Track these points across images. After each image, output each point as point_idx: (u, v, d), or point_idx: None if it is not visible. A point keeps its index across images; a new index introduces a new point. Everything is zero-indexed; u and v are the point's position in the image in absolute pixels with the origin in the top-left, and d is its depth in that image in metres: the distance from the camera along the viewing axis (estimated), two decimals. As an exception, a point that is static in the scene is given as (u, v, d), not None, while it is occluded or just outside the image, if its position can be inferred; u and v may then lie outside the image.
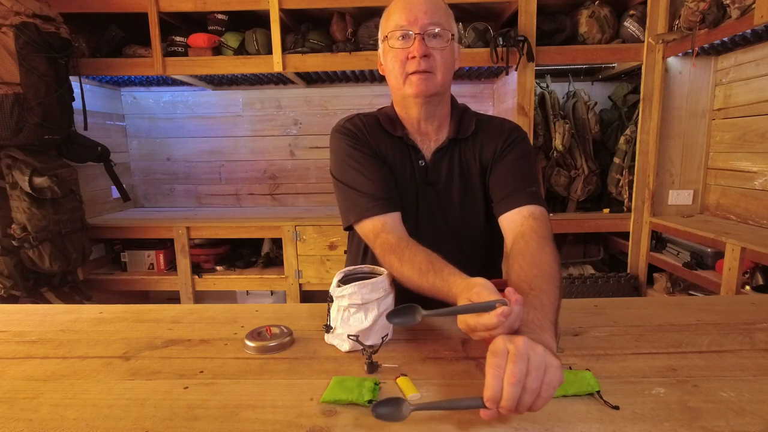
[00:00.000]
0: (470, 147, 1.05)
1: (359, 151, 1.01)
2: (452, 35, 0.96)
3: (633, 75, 2.71)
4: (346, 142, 1.03)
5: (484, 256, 1.11)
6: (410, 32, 0.93)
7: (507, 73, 2.57)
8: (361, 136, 1.03)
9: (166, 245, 2.73)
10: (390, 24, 0.96)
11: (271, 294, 2.97)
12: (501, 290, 0.83)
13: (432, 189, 1.03)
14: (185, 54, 2.50)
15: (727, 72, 2.28)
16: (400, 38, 0.94)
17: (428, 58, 0.93)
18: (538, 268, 0.80)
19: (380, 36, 1.01)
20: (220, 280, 2.68)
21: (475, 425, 0.61)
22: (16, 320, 1.02)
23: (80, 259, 2.33)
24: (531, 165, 1.04)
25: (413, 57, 0.93)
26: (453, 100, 1.08)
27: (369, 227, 0.96)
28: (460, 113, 1.07)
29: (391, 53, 0.96)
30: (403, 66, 0.95)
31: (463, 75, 2.85)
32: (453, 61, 0.99)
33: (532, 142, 2.50)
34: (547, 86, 2.73)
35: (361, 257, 1.14)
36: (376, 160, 1.01)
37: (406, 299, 0.90)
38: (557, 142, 2.55)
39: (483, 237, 1.07)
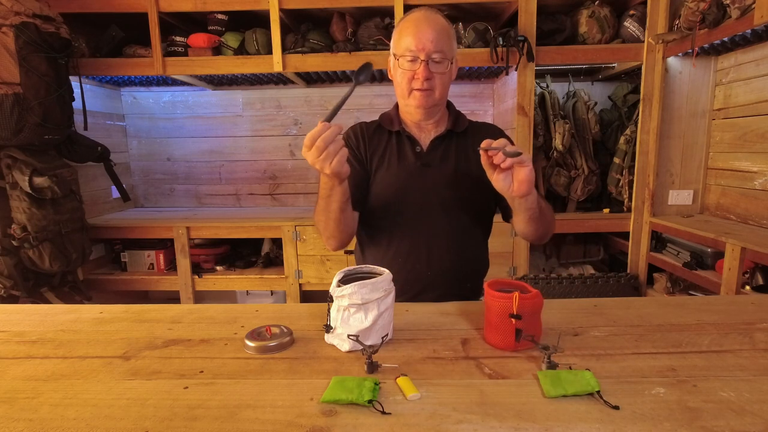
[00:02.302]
0: (468, 140, 1.22)
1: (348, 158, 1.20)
2: (452, 59, 1.14)
3: (633, 75, 2.70)
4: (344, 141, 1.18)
5: (472, 225, 1.23)
6: (418, 57, 1.10)
7: (507, 73, 2.57)
8: (354, 142, 1.22)
9: (166, 245, 2.73)
10: (401, 46, 1.12)
11: (271, 294, 2.97)
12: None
13: (428, 169, 1.19)
14: (185, 54, 2.50)
15: (727, 72, 2.28)
16: (409, 60, 1.11)
17: (430, 80, 1.11)
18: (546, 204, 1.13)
19: (392, 50, 1.17)
20: (220, 280, 2.68)
21: (479, 423, 0.61)
22: (16, 320, 1.02)
23: (80, 259, 2.33)
24: None
25: (418, 78, 1.11)
26: (449, 103, 1.26)
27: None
28: (456, 113, 1.26)
29: (399, 70, 1.13)
30: (409, 83, 1.13)
31: (463, 75, 2.85)
32: (450, 79, 1.17)
33: (531, 142, 2.51)
34: (547, 86, 2.73)
35: (360, 255, 1.28)
36: (355, 169, 1.18)
37: (422, 290, 1.11)
38: (557, 142, 2.55)
39: (476, 209, 1.22)
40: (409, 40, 1.10)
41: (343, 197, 1.03)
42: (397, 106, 1.25)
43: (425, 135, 1.22)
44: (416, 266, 1.18)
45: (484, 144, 0.93)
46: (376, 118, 1.27)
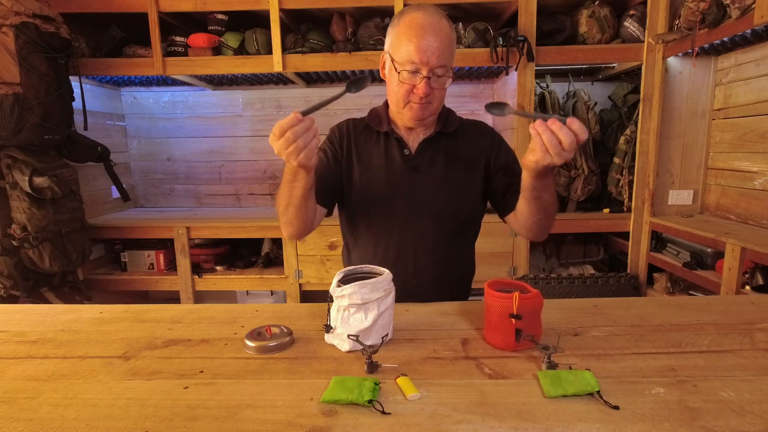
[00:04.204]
0: (457, 141, 1.19)
1: (323, 151, 1.19)
2: (451, 70, 1.08)
3: (633, 75, 2.70)
4: (327, 137, 1.22)
5: (460, 230, 1.21)
6: (419, 71, 1.04)
7: (507, 73, 2.57)
8: (336, 137, 1.20)
9: (166, 245, 2.73)
10: (401, 53, 1.04)
11: (271, 294, 2.97)
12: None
13: (417, 173, 1.16)
14: (185, 54, 2.50)
15: (727, 72, 2.28)
16: (409, 72, 1.04)
17: (429, 96, 1.06)
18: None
19: (387, 48, 1.10)
20: (220, 280, 2.68)
21: (479, 422, 0.61)
22: (16, 320, 1.02)
23: (80, 259, 2.33)
24: (516, 157, 1.22)
25: (417, 93, 1.05)
26: None
27: None
28: (446, 112, 1.21)
29: (396, 80, 1.06)
30: (407, 94, 1.07)
31: (463, 75, 2.84)
32: (447, 90, 1.11)
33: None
34: (547, 86, 2.73)
35: (347, 257, 1.26)
36: (328, 164, 1.17)
37: (407, 297, 1.06)
38: (557, 142, 2.55)
39: (465, 214, 1.20)
40: (412, 50, 1.02)
41: (307, 185, 0.99)
42: (386, 103, 1.20)
43: (414, 137, 1.18)
44: (402, 272, 1.12)
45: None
46: None
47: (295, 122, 0.84)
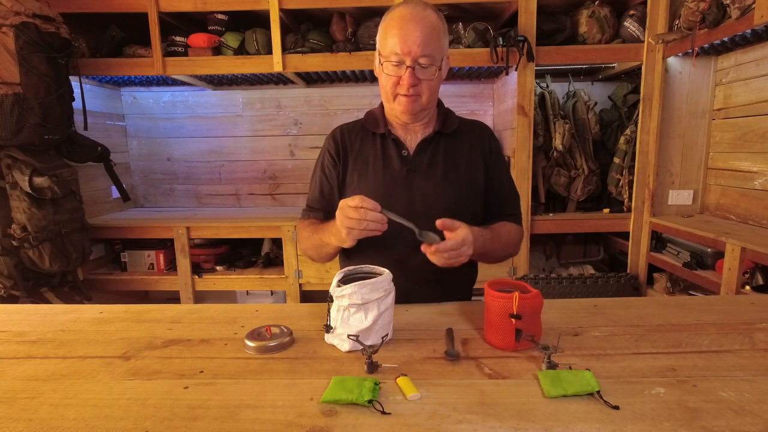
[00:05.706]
0: (457, 141, 1.18)
1: (321, 161, 1.22)
2: (442, 62, 1.07)
3: (633, 75, 2.70)
4: (324, 148, 1.22)
5: None
6: (403, 62, 1.04)
7: (507, 73, 2.57)
8: (334, 150, 1.19)
9: (166, 245, 2.73)
10: (387, 46, 1.06)
11: (271, 294, 2.97)
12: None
13: (415, 174, 1.15)
14: (185, 54, 2.50)
15: (727, 72, 2.28)
16: (394, 64, 1.05)
17: (416, 86, 1.06)
18: (507, 234, 1.18)
19: (377, 45, 1.11)
20: (220, 280, 2.68)
21: (479, 422, 0.61)
22: (16, 320, 1.02)
23: (80, 259, 2.33)
24: (510, 171, 1.28)
25: (403, 84, 1.06)
26: (438, 101, 1.20)
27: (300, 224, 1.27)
28: (445, 112, 1.21)
29: (384, 73, 1.08)
30: (394, 87, 1.08)
31: (463, 75, 2.84)
32: (440, 82, 1.11)
33: (531, 142, 2.51)
34: (547, 86, 2.72)
35: (346, 260, 1.24)
36: (326, 174, 1.20)
37: (406, 298, 1.04)
38: (557, 142, 2.55)
39: (466, 215, 1.15)
40: (395, 41, 1.03)
41: (338, 249, 1.06)
42: (383, 105, 1.19)
43: (412, 137, 1.17)
44: (401, 279, 1.04)
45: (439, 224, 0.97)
46: None
47: (374, 211, 0.92)
